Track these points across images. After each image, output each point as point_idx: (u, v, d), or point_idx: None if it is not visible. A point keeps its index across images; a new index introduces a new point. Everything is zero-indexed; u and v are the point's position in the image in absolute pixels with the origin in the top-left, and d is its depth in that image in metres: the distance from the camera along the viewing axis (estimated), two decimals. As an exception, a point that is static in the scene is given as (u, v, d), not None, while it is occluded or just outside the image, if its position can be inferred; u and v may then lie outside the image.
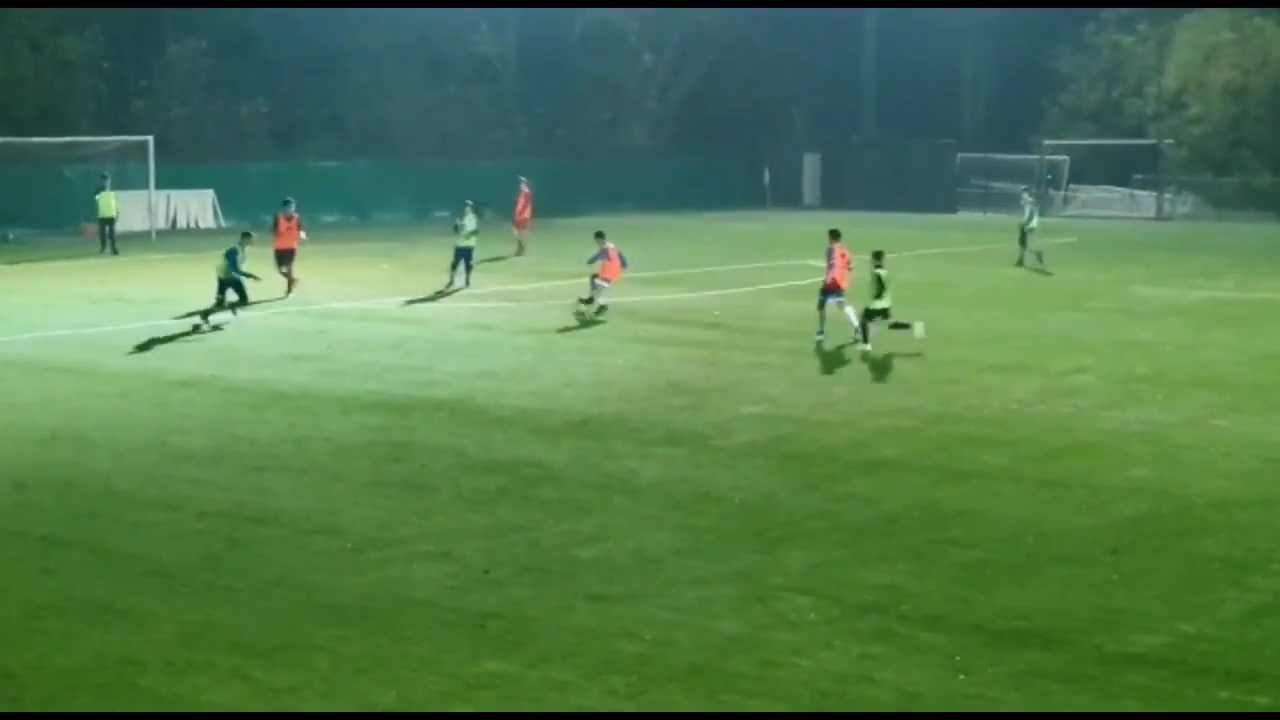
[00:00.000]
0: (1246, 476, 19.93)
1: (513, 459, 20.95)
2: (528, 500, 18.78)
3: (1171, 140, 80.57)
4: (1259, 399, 25.50)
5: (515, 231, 52.28)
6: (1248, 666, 13.16)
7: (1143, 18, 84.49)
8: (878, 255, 30.76)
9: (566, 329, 33.59)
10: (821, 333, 31.21)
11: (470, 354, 30.02)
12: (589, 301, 35.53)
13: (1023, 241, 48.18)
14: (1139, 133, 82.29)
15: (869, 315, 30.34)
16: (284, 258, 39.36)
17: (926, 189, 78.99)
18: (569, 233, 55.28)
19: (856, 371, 28.31)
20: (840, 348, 30.56)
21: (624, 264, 36.23)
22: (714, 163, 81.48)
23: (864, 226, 53.60)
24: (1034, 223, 48.51)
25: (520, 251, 50.82)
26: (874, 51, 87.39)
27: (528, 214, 52.59)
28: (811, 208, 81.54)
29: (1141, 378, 27.51)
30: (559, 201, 66.70)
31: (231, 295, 33.80)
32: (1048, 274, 44.99)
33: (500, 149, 73.97)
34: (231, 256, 33.87)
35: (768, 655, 13.40)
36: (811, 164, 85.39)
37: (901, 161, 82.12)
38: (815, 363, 29.31)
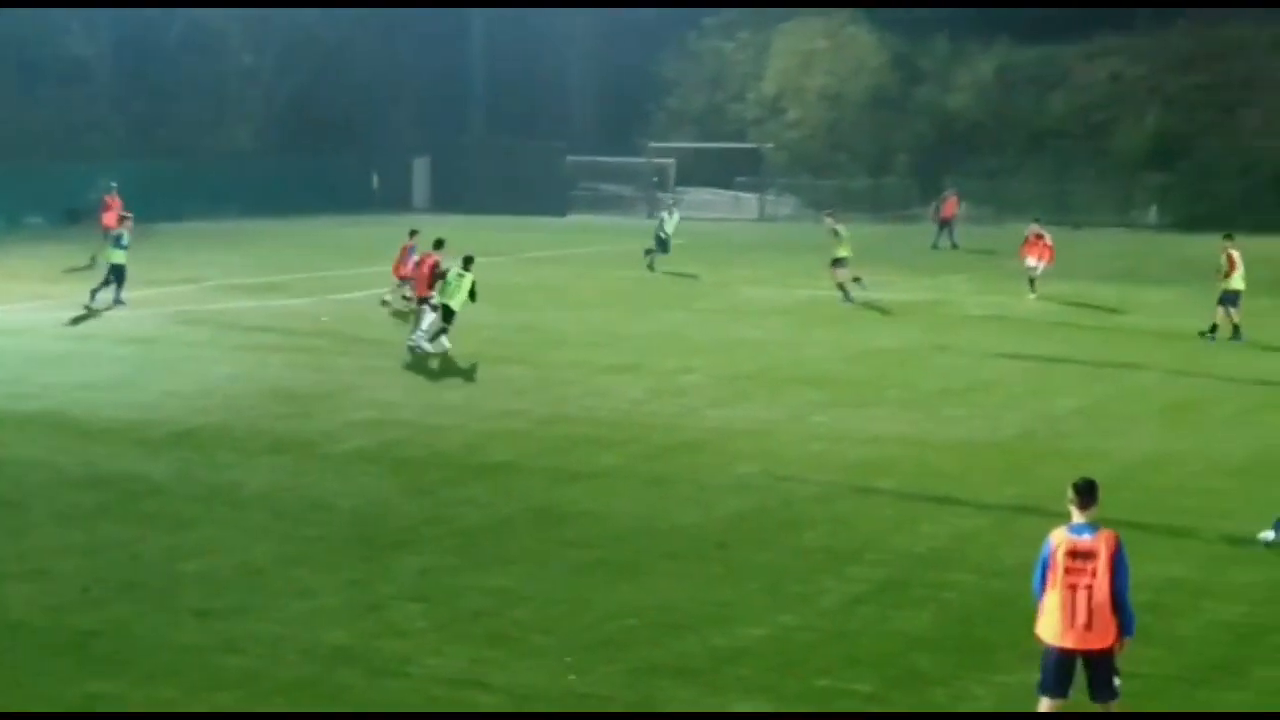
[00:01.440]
0: (845, 469, 20.59)
1: (113, 473, 20.21)
2: (129, 515, 18.15)
3: (772, 144, 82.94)
4: (858, 394, 26.39)
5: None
6: (847, 654, 13.57)
7: (743, 25, 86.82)
8: (467, 261, 30.56)
9: (169, 338, 32.61)
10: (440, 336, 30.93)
11: (67, 365, 28.85)
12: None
13: (662, 247, 48.56)
14: (741, 136, 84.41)
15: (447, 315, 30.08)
16: None
17: (538, 192, 79.37)
18: (171, 239, 53.68)
19: (469, 375, 28.24)
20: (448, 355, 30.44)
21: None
22: (322, 166, 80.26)
23: (475, 230, 53.53)
24: (670, 228, 49.04)
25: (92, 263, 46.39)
26: (482, 53, 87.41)
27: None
28: (422, 211, 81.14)
29: (747, 375, 28.17)
30: (160, 206, 64.56)
31: None
32: (655, 274, 45.70)
33: (96, 152, 71.41)
34: None
35: (377, 664, 13.22)
36: (421, 167, 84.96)
37: (512, 164, 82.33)
38: (426, 367, 29.11)
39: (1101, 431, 23.25)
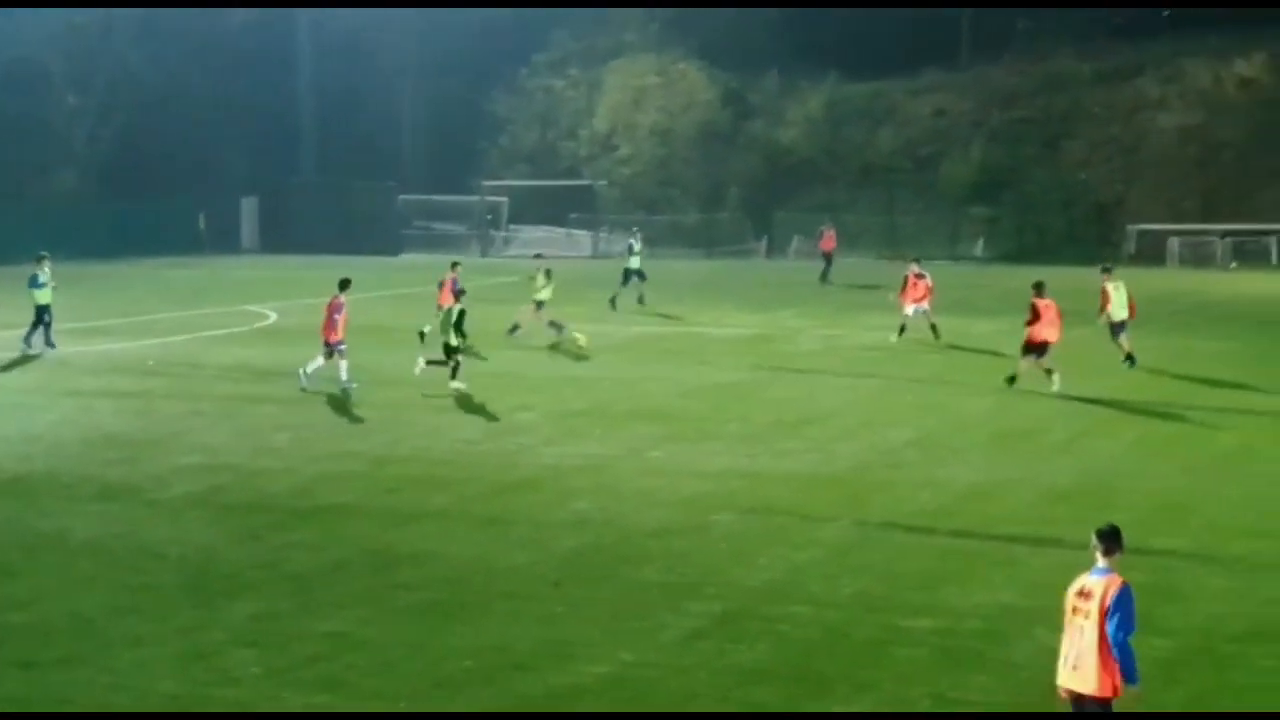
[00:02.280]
0: (682, 504, 20.57)
1: (-68, 524, 19.61)
2: (-52, 567, 17.60)
3: (604, 181, 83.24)
4: (693, 429, 26.42)
5: None
6: (686, 689, 13.51)
7: (573, 62, 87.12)
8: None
9: (-9, 383, 31.82)
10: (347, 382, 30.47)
11: (-117, 414, 28.00)
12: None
13: (629, 279, 48.28)
14: (574, 174, 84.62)
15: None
16: None
17: (370, 231, 78.77)
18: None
19: (300, 417, 27.80)
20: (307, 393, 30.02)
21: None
22: (149, 208, 78.94)
23: (306, 270, 53.04)
24: (635, 262, 48.70)
25: None
26: (311, 92, 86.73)
27: None
28: (251, 252, 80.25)
29: (581, 412, 28.11)
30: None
31: None
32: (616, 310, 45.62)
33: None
34: None
35: (209, 713, 12.91)
36: (250, 207, 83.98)
37: (343, 203, 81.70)
38: (256, 410, 28.62)
39: (934, 461, 23.50)
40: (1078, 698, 11.00)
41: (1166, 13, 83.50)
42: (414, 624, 15.42)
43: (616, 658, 14.29)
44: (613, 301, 47.21)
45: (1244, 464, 23.38)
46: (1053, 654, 14.37)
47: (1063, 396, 29.35)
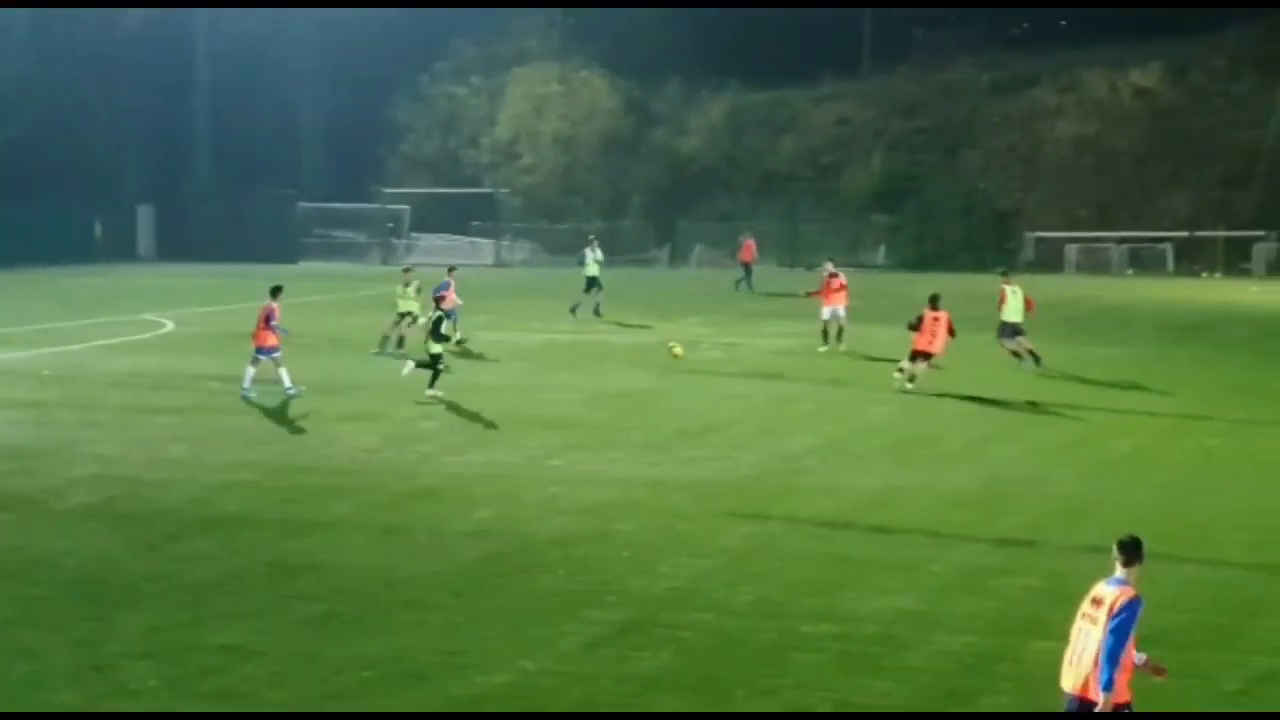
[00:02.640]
0: (583, 513, 20.53)
1: None
2: None
3: (506, 189, 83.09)
4: (595, 437, 26.40)
5: None
6: (587, 697, 13.49)
7: (475, 69, 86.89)
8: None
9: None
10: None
11: None
12: None
13: (586, 289, 47.87)
14: (475, 181, 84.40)
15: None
16: None
17: (269, 239, 78.16)
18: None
19: (198, 427, 27.49)
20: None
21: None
22: (43, 215, 77.85)
23: (201, 278, 52.59)
24: (593, 270, 48.13)
25: None
26: (208, 99, 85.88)
27: None
28: (147, 260, 79.45)
29: (484, 421, 28.00)
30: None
31: None
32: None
33: None
34: None
35: (104, 728, 12.76)
36: (146, 215, 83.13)
37: (241, 211, 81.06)
38: (153, 420, 28.28)
39: (835, 469, 23.62)
40: (1074, 698, 11.09)
41: (1063, 22, 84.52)
42: (312, 635, 15.28)
43: (517, 666, 14.23)
44: (573, 310, 46.87)
45: (1140, 468, 23.67)
46: (950, 657, 14.52)
47: (962, 401, 29.64)
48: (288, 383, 30.07)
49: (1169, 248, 72.60)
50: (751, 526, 19.64)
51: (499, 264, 78.54)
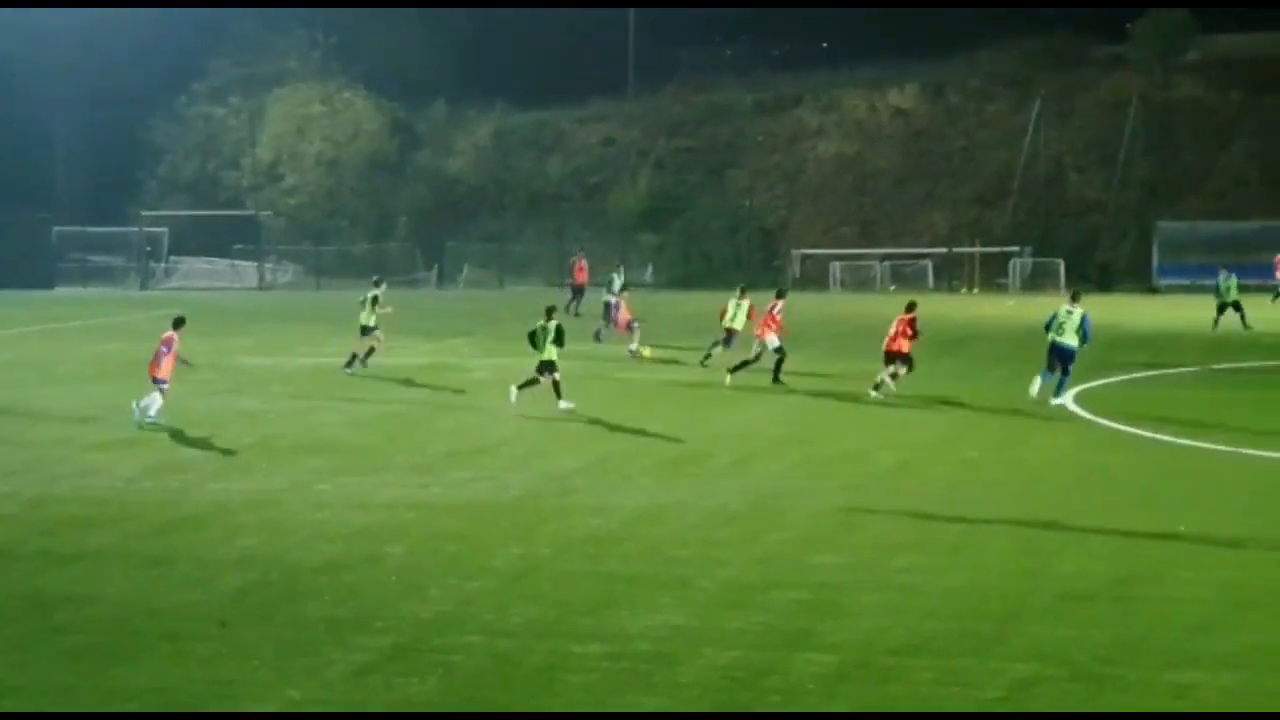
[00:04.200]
0: (351, 538, 20.24)
1: None
2: None
3: (269, 211, 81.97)
4: (363, 461, 26.09)
5: None
6: (356, 726, 13.28)
7: (234, 90, 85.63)
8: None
9: None
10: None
11: None
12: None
13: (606, 313, 46.59)
14: (237, 204, 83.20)
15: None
16: None
17: (21, 264, 75.93)
18: None
19: (-52, 458, 26.57)
20: None
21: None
22: None
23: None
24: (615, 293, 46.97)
25: None
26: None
27: None
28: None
29: (247, 446, 27.51)
30: None
31: None
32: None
33: None
34: None
35: None
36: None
37: (-7, 236, 78.85)
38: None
39: (604, 488, 23.64)
40: None
41: (825, 44, 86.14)
42: (71, 668, 14.81)
43: (284, 696, 13.96)
44: (596, 335, 46.15)
45: (904, 481, 24.08)
46: (719, 672, 14.59)
47: (729, 419, 29.94)
48: (153, 411, 29.33)
49: (929, 264, 74.37)
50: (521, 547, 19.55)
51: (263, 287, 77.42)
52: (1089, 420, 30.20)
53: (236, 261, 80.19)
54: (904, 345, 32.85)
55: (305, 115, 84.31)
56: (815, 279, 72.46)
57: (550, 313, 32.09)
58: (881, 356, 33.21)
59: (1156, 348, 43.61)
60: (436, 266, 78.96)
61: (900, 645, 15.12)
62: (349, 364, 38.02)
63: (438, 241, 79.64)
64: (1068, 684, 13.95)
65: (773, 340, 35.17)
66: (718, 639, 15.55)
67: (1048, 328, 32.14)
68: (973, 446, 27.30)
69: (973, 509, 21.60)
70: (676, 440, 28.13)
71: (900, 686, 13.98)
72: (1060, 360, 31.82)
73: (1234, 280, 50.34)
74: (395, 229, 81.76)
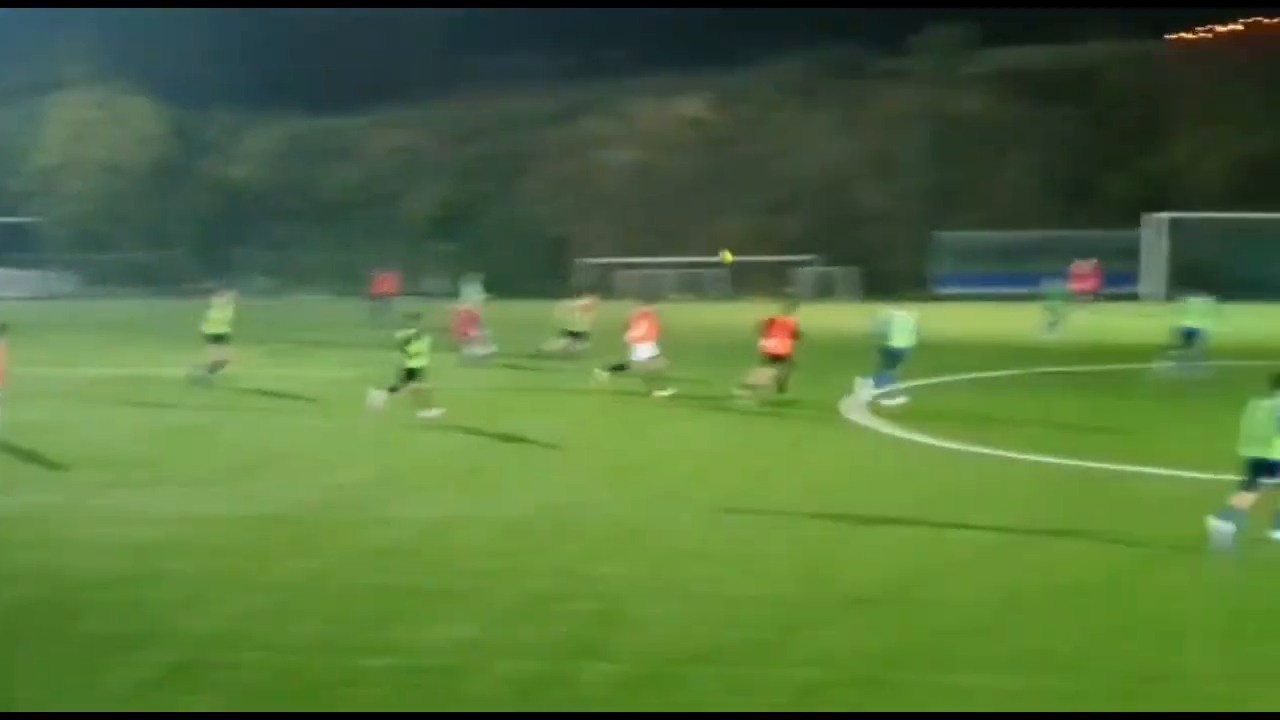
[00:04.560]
0: (131, 552, 19.73)
1: None
2: None
3: (48, 218, 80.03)
4: (144, 474, 25.48)
5: None
6: (133, 746, 12.93)
7: (11, 96, 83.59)
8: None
9: None
10: None
11: None
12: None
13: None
14: (14, 211, 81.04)
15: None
16: None
17: None
18: None
19: None
20: None
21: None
22: None
23: None
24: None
25: None
26: None
27: None
28: None
29: (22, 459, 26.75)
30: None
31: None
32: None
33: None
34: None
35: None
36: None
37: None
38: None
39: (394, 499, 23.36)
40: None
41: (616, 54, 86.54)
42: None
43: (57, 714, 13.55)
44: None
45: (694, 490, 24.15)
46: (509, 684, 14.48)
47: (521, 428, 29.85)
48: None
49: (725, 272, 75.02)
50: (307, 561, 19.21)
51: (42, 296, 75.48)
52: (876, 428, 30.67)
53: (13, 270, 78.08)
54: (786, 348, 33.28)
55: (85, 120, 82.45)
56: (604, 288, 72.63)
57: (410, 321, 32.00)
58: (759, 359, 33.65)
59: (939, 355, 44.39)
60: (223, 275, 77.77)
61: (687, 654, 15.14)
62: (211, 371, 37.07)
63: (224, 249, 78.38)
64: (849, 689, 14.10)
65: (645, 349, 35.83)
66: (509, 650, 15.43)
67: (881, 334, 34.37)
68: (762, 454, 27.54)
69: (761, 517, 21.76)
70: (466, 453, 27.95)
71: (686, 694, 13.99)
72: (894, 361, 34.27)
73: (1059, 288, 53.47)
74: (176, 237, 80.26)
